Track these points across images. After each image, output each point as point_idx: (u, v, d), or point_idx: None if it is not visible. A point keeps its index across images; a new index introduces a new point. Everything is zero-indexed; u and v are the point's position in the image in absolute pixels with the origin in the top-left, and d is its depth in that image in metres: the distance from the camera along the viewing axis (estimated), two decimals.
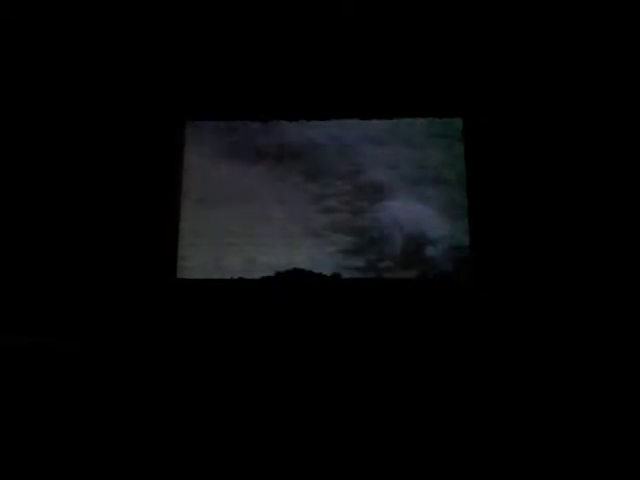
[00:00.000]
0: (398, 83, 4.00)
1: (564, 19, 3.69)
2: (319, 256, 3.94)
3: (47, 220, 3.81)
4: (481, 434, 2.06)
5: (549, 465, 1.87)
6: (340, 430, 2.09)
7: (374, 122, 4.08)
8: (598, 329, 3.18)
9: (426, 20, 3.83)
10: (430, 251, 3.88)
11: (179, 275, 3.92)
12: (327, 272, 3.79)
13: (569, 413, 2.23)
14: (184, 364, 2.84)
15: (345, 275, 3.82)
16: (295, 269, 3.79)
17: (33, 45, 3.91)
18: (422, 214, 3.94)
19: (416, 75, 3.98)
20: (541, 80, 3.84)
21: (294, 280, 3.73)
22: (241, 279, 3.84)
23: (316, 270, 3.75)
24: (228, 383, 2.55)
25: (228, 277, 3.86)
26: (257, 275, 3.82)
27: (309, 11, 3.81)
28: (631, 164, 3.60)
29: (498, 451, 1.95)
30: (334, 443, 2.01)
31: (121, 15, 3.85)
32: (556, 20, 3.71)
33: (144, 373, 2.68)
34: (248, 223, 4.01)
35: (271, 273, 3.81)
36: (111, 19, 3.86)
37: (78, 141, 3.95)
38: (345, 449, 1.98)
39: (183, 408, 2.28)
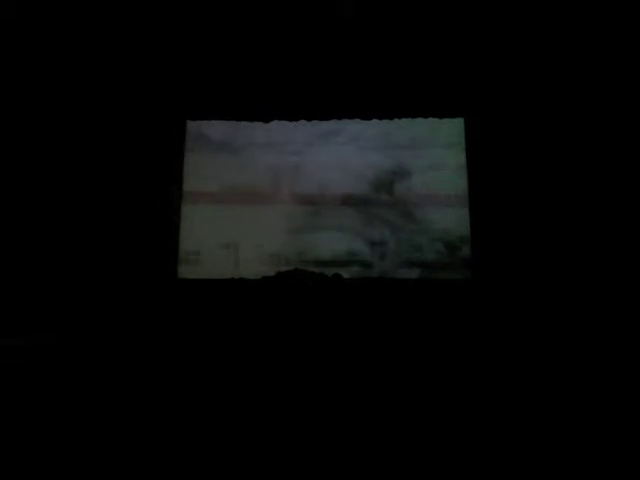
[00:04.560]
0: (399, 83, 4.00)
1: (564, 19, 3.69)
2: None
3: (47, 220, 3.81)
4: (481, 433, 2.06)
5: (549, 465, 1.87)
6: (340, 429, 2.09)
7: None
8: (599, 329, 3.17)
9: (427, 20, 3.83)
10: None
11: (179, 275, 3.92)
12: (327, 273, 3.80)
13: (569, 412, 2.22)
14: (185, 363, 2.84)
15: (345, 275, 3.82)
16: (295, 269, 3.80)
17: (34, 45, 3.92)
18: None
19: (417, 75, 3.98)
20: (542, 80, 3.84)
21: (294, 280, 3.73)
22: (241, 279, 3.84)
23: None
24: (228, 382, 2.55)
25: (228, 277, 3.86)
26: (257, 275, 3.83)
27: (309, 11, 3.80)
28: (631, 163, 3.59)
29: (498, 450, 1.94)
30: (334, 441, 2.00)
31: (122, 15, 3.85)
32: (556, 20, 3.70)
33: (145, 372, 2.68)
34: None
35: (272, 273, 3.82)
36: (112, 19, 3.86)
37: (79, 141, 3.95)
38: (345, 448, 1.97)
39: (183, 407, 2.28)
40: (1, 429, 2.06)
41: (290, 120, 4.10)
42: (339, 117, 4.09)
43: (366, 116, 4.08)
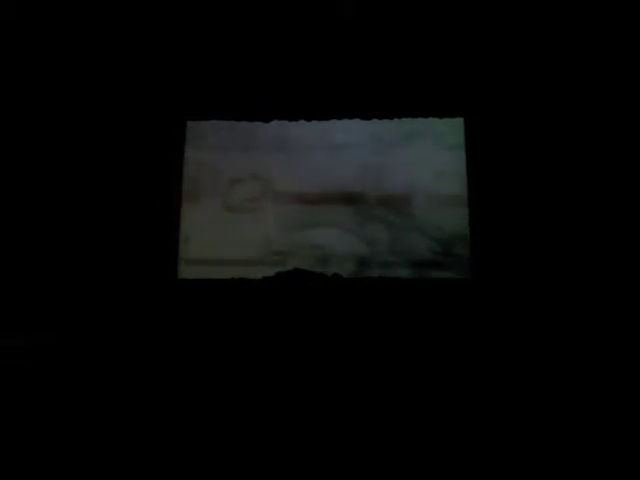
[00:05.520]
0: (399, 83, 4.00)
1: (564, 19, 3.69)
2: None
3: (47, 220, 3.82)
4: (480, 433, 2.06)
5: (549, 465, 1.87)
6: (340, 429, 2.09)
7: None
8: (599, 329, 3.18)
9: (427, 20, 3.83)
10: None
11: (180, 275, 3.92)
12: (327, 273, 3.80)
13: (569, 412, 2.22)
14: (185, 363, 2.84)
15: (345, 275, 3.82)
16: (295, 269, 3.80)
17: (34, 45, 3.92)
18: None
19: (417, 75, 3.98)
20: (542, 79, 3.83)
21: (294, 280, 3.74)
22: (241, 279, 3.84)
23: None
24: (228, 382, 2.56)
25: (228, 277, 3.86)
26: (258, 274, 3.83)
27: (309, 11, 3.81)
28: (631, 163, 3.59)
29: (497, 450, 1.94)
30: (333, 441, 2.00)
31: (122, 15, 3.85)
32: (556, 20, 3.70)
33: (146, 372, 2.69)
34: None
35: (271, 273, 3.82)
36: (112, 19, 3.87)
37: (79, 141, 3.96)
38: (344, 447, 1.97)
39: (183, 407, 2.29)
40: (1, 429, 2.07)
41: (290, 120, 4.10)
42: (339, 117, 4.09)
43: (366, 116, 4.08)
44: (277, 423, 2.15)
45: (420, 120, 4.07)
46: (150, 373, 2.68)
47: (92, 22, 3.87)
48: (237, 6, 3.78)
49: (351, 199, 4.02)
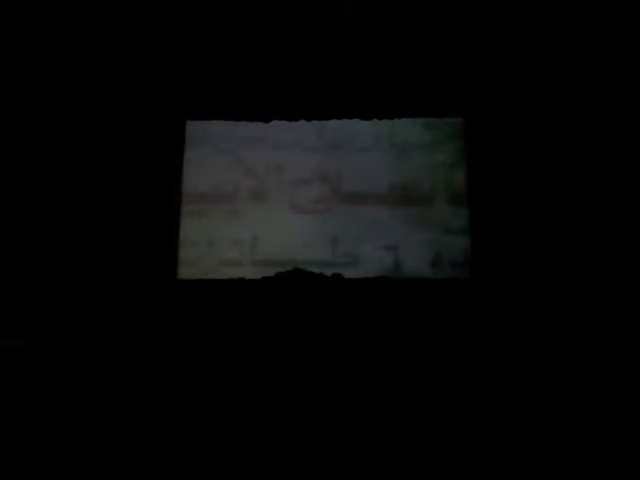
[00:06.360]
0: (399, 83, 4.00)
1: (564, 19, 3.69)
2: None
3: (47, 220, 3.82)
4: (480, 432, 2.06)
5: (549, 464, 1.87)
6: (341, 429, 2.10)
7: None
8: (598, 329, 3.18)
9: (427, 20, 3.83)
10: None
11: (179, 275, 3.92)
12: (327, 273, 3.80)
13: (569, 411, 2.23)
14: (185, 363, 2.85)
15: (346, 275, 3.82)
16: (295, 269, 3.80)
17: (34, 45, 3.92)
18: None
19: (417, 75, 3.98)
20: (542, 80, 3.84)
21: (294, 280, 3.74)
22: (241, 279, 3.84)
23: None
24: (228, 382, 2.56)
25: (228, 277, 3.86)
26: (257, 275, 3.83)
27: (309, 11, 3.81)
28: (630, 161, 3.60)
29: (497, 449, 1.95)
30: (334, 442, 2.01)
31: (122, 15, 3.85)
32: (556, 20, 3.70)
33: (145, 372, 2.69)
34: None
35: (271, 273, 3.82)
36: (112, 19, 3.87)
37: (79, 142, 3.96)
38: (345, 448, 1.97)
39: (183, 407, 2.29)
40: (1, 429, 2.07)
41: (290, 120, 4.11)
42: (339, 117, 4.09)
43: (366, 116, 4.08)
44: (277, 422, 2.15)
45: None
46: (150, 373, 2.69)
47: (92, 22, 3.87)
48: (237, 6, 3.78)
49: (419, 199, 4.00)
